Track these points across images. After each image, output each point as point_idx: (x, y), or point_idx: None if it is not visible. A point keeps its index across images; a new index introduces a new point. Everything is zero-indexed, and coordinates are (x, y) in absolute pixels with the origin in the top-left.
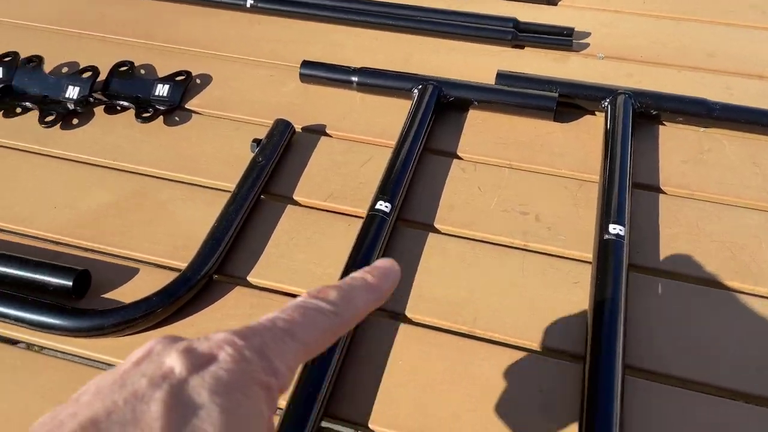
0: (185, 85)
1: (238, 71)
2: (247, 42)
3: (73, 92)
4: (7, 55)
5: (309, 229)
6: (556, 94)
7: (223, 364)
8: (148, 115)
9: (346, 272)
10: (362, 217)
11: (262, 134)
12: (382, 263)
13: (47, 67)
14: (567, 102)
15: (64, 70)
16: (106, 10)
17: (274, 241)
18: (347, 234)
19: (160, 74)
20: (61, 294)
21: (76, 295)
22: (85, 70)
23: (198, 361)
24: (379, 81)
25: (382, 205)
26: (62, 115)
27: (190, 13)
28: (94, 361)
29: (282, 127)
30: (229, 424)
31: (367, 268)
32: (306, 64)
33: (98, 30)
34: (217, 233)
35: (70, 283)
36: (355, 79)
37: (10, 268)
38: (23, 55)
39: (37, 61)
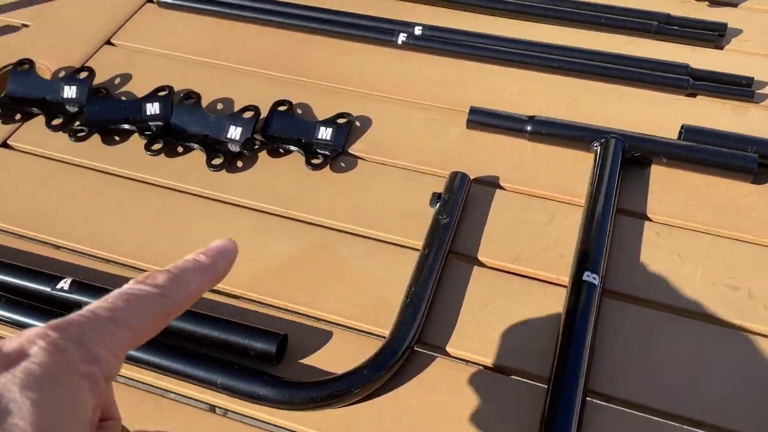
0: (348, 128)
1: (396, 113)
2: (401, 81)
3: (235, 133)
4: (162, 89)
5: (502, 295)
6: (756, 155)
7: (35, 358)
8: (318, 162)
9: (560, 353)
10: (557, 284)
11: (434, 184)
12: (216, 242)
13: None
14: (762, 162)
15: (219, 107)
16: (254, 41)
17: (467, 308)
18: (545, 302)
19: (316, 114)
20: (261, 358)
21: (276, 361)
22: (246, 109)
23: (7, 359)
24: (556, 131)
25: (590, 277)
26: (229, 158)
27: (339, 48)
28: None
29: (459, 181)
30: (43, 417)
31: (201, 249)
32: (474, 111)
33: (248, 64)
34: (414, 299)
35: (274, 350)
36: (529, 128)
37: (209, 329)
38: (172, 88)
39: (195, 97)
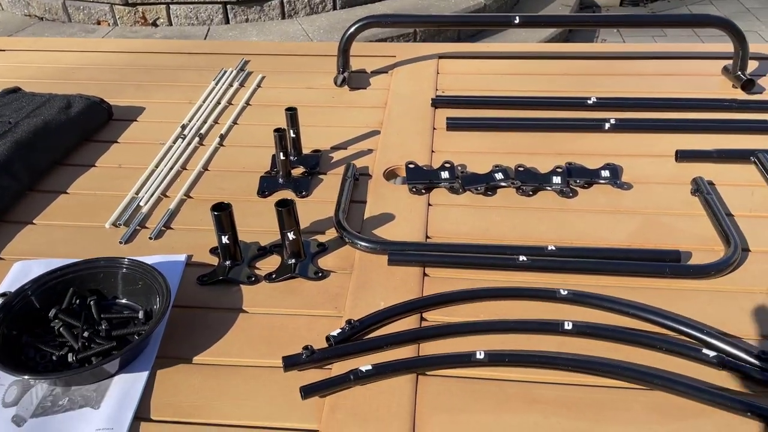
0: None
1: None
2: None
3: (557, 180)
4: (497, 166)
5: None
6: None
7: None
8: None
9: None
10: None
11: None
12: None
13: None
14: None
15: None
16: (519, 139)
17: None
18: None
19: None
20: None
21: None
22: (558, 166)
23: None
24: None
25: None
26: None
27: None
28: None
29: None
30: None
31: None
32: None
33: (525, 150)
34: None
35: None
36: None
37: None
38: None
39: (525, 167)
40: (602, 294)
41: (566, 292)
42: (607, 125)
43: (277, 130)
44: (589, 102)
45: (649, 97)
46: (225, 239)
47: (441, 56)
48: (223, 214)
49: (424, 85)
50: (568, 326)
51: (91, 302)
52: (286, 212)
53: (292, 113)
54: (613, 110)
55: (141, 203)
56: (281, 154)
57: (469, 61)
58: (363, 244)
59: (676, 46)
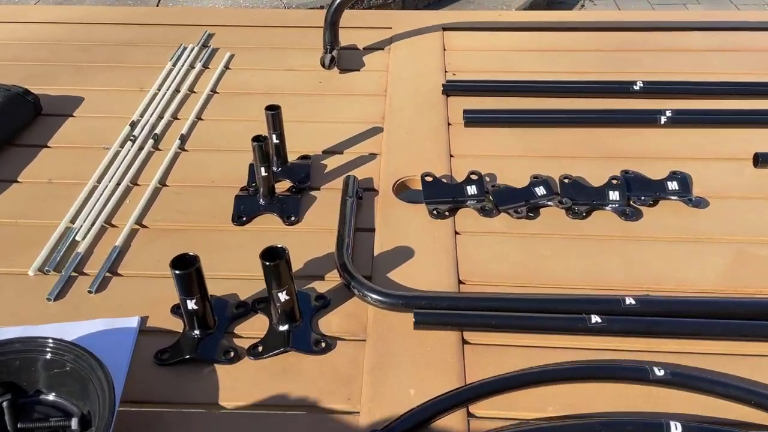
0: (688, 180)
1: (708, 168)
2: (674, 147)
3: (614, 195)
4: (536, 176)
5: None
6: None
7: None
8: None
9: None
10: None
11: None
12: None
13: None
14: None
15: (566, 181)
16: (544, 137)
17: None
18: None
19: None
20: None
21: None
22: (613, 178)
23: None
24: None
25: None
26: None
27: (618, 132)
28: None
29: None
30: None
31: None
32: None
33: (552, 153)
34: None
35: None
36: None
37: None
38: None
39: (572, 177)
40: (711, 373)
41: (663, 372)
42: (662, 119)
43: (255, 139)
44: (634, 87)
45: (706, 80)
46: (192, 304)
47: (445, 27)
48: (187, 274)
49: (430, 66)
50: (676, 430)
51: (4, 404)
52: (275, 268)
53: (274, 114)
54: (664, 97)
55: (77, 237)
56: (262, 168)
57: (480, 34)
58: (377, 297)
59: (719, 14)
